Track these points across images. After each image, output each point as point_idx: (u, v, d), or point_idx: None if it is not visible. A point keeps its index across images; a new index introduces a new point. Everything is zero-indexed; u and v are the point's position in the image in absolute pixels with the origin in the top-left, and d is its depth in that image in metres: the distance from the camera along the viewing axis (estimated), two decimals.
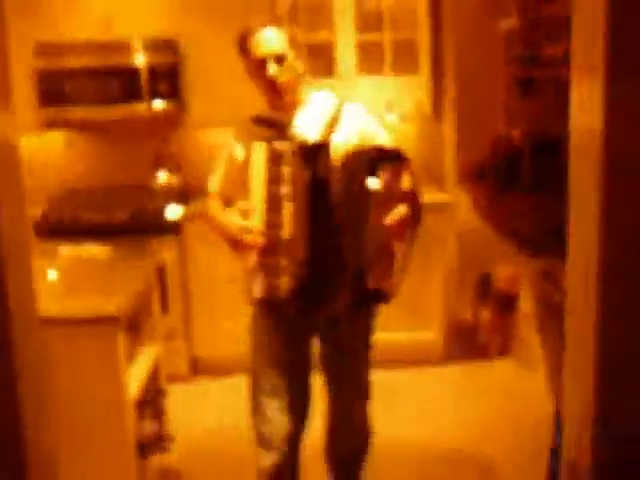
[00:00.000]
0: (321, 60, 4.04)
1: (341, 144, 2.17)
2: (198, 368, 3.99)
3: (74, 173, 4.45)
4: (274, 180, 2.10)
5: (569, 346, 1.51)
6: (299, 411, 2.42)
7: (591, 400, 1.35)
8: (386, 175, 2.06)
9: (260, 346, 2.36)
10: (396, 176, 2.10)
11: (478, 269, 4.60)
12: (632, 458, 1.37)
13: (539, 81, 8.22)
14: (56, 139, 4.41)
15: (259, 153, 2.11)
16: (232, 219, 2.23)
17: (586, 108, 1.34)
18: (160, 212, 3.82)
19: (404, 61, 4.05)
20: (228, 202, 2.36)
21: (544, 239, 6.03)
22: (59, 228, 3.78)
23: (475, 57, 4.39)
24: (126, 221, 3.80)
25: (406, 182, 2.14)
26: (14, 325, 1.21)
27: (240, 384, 3.77)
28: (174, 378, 3.68)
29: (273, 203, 2.10)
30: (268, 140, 2.14)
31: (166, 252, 3.74)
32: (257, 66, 2.23)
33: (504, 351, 4.21)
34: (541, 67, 7.94)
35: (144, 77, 3.82)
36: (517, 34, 8.52)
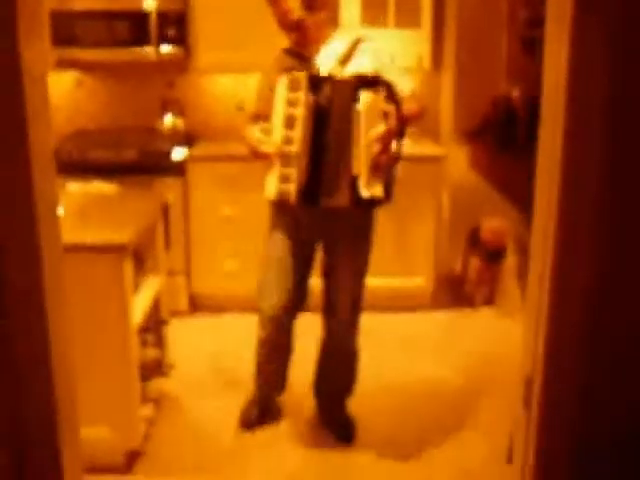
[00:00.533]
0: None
1: (348, 76, 2.58)
2: (197, 304, 4.20)
3: (83, 113, 4.58)
4: (291, 103, 2.51)
5: (530, 281, 1.70)
6: (296, 295, 2.85)
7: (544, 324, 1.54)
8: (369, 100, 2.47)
9: (273, 239, 2.80)
10: (378, 100, 2.49)
11: (469, 221, 4.77)
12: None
13: (541, 41, 8.22)
14: (65, 79, 4.52)
15: (283, 80, 2.52)
16: (254, 133, 2.65)
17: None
18: (165, 153, 3.97)
19: (407, 14, 4.13)
20: (265, 119, 2.67)
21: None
22: (68, 166, 3.91)
23: (477, 14, 4.48)
24: (133, 160, 3.95)
25: (382, 104, 2.50)
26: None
27: (236, 321, 4.03)
28: (174, 313, 3.91)
29: (289, 122, 2.52)
30: (290, 69, 2.56)
31: (170, 192, 3.90)
32: (286, 10, 2.59)
33: (489, 301, 4.41)
34: (544, 27, 7.94)
35: (153, 21, 3.92)
36: None
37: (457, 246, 4.77)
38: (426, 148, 4.25)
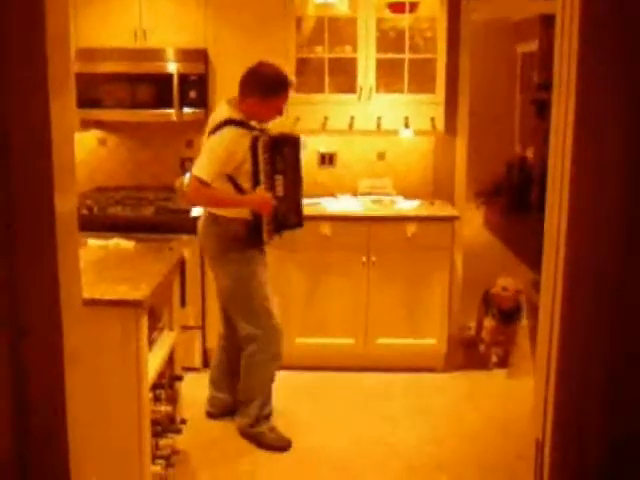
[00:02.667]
0: (343, 76, 4.27)
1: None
2: (210, 360, 4.20)
3: (104, 171, 4.71)
4: (266, 161, 3.20)
5: (539, 340, 1.70)
6: None
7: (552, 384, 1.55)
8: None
9: (261, 281, 3.31)
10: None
11: (483, 282, 4.78)
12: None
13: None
14: (89, 139, 4.66)
15: (260, 144, 3.12)
16: (232, 193, 3.20)
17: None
18: (183, 211, 4.05)
19: (421, 80, 4.25)
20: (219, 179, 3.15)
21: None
22: (88, 222, 4.01)
23: (490, 78, 4.59)
24: (150, 218, 4.04)
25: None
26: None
27: None
28: (188, 369, 3.92)
29: (268, 176, 3.20)
30: (256, 137, 3.15)
31: (187, 249, 3.95)
32: (279, 107, 3.24)
33: (504, 363, 4.38)
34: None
35: (175, 85, 4.07)
36: (536, 58, 8.71)
37: (470, 307, 4.77)
38: (440, 209, 4.30)
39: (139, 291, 2.47)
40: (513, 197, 8.63)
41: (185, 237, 4.02)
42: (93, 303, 2.38)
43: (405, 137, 4.41)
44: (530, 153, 8.94)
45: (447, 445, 3.42)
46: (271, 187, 3.22)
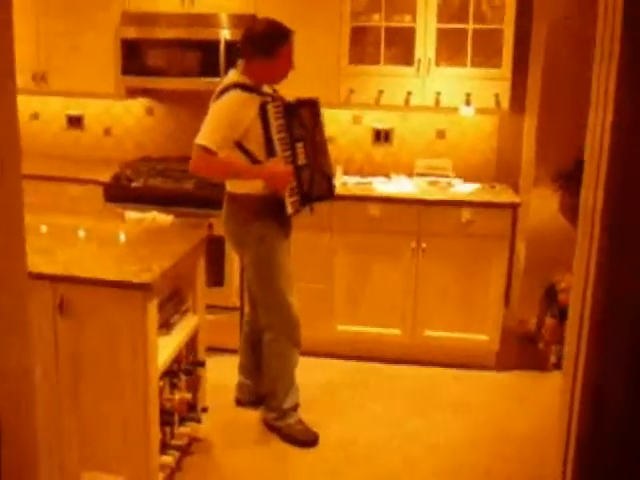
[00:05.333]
0: (400, 47, 3.96)
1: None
2: None
3: (152, 141, 4.58)
4: (279, 129, 2.93)
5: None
6: None
7: None
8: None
9: (281, 265, 3.05)
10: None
11: (549, 276, 4.41)
12: None
13: None
14: (137, 107, 4.54)
15: (270, 109, 2.87)
16: (245, 162, 2.95)
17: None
18: (224, 187, 3.87)
19: (486, 53, 3.90)
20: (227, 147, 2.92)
21: None
22: (127, 193, 3.90)
23: (566, 54, 4.17)
24: (191, 192, 3.87)
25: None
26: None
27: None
28: (226, 350, 3.77)
29: (284, 144, 2.93)
30: (265, 102, 2.89)
31: None
32: (285, 61, 2.96)
33: (561, 362, 4.03)
34: None
35: (222, 52, 3.87)
36: None
37: (533, 300, 4.42)
38: (500, 194, 3.97)
39: (149, 273, 2.30)
40: None
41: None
42: (98, 283, 2.23)
43: (466, 115, 4.07)
44: None
45: (485, 449, 3.14)
46: (292, 156, 2.94)
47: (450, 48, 3.92)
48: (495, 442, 3.22)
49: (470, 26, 3.86)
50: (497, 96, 3.89)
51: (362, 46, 3.99)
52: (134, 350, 2.29)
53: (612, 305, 1.36)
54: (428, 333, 3.93)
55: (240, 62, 2.99)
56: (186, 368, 2.79)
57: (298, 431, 3.13)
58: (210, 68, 3.93)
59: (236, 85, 2.91)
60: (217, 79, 3.91)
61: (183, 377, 2.73)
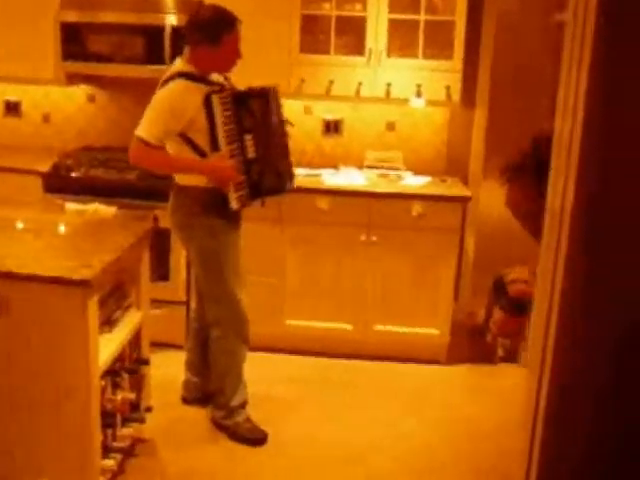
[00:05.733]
0: (351, 37, 3.89)
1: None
2: None
3: (94, 130, 4.41)
4: (227, 120, 2.81)
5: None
6: None
7: None
8: None
9: (229, 258, 2.95)
10: None
11: (497, 268, 4.43)
12: None
13: None
14: (78, 94, 4.36)
15: (215, 100, 2.76)
16: (191, 157, 2.84)
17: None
18: (169, 178, 3.74)
19: (438, 45, 3.87)
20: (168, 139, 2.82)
21: None
22: (67, 184, 3.74)
23: (520, 47, 4.18)
24: (135, 183, 3.73)
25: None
26: None
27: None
28: (171, 345, 3.66)
29: (230, 137, 2.82)
30: (210, 92, 2.77)
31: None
32: (231, 49, 2.83)
33: (512, 357, 4.06)
34: None
35: (167, 39, 3.73)
36: None
37: (481, 293, 4.43)
38: (450, 188, 3.95)
39: (89, 269, 2.18)
40: (537, 175, 8.21)
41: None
42: (35, 280, 2.10)
43: (417, 107, 4.03)
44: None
45: (444, 445, 3.12)
46: (239, 149, 2.84)
47: (402, 39, 3.88)
48: (452, 437, 3.20)
49: (422, 17, 3.82)
50: (448, 88, 3.87)
51: (313, 35, 3.90)
52: (74, 349, 2.17)
53: (582, 304, 1.33)
54: (379, 328, 3.89)
55: (186, 50, 2.87)
56: (129, 367, 2.68)
57: (246, 429, 3.05)
58: (155, 55, 3.79)
59: (180, 74, 2.79)
60: (163, 67, 3.76)
61: (126, 376, 2.61)
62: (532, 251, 6.38)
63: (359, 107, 4.25)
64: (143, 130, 2.73)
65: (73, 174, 3.76)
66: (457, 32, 3.82)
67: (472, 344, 4.23)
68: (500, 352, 4.07)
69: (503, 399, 3.55)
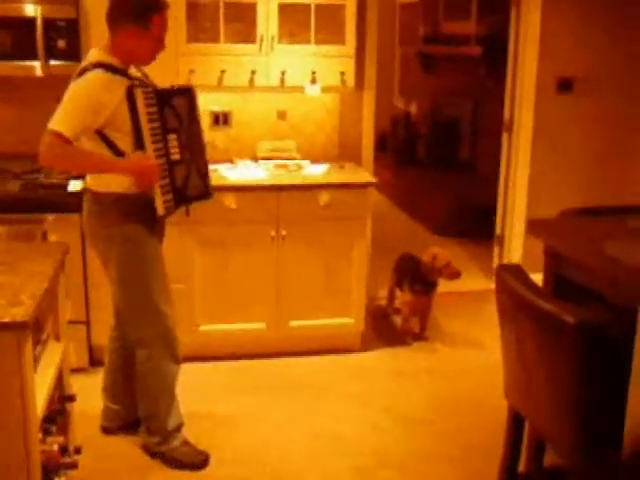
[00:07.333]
0: (240, 23, 3.70)
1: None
2: (97, 359, 3.60)
3: None
4: (151, 118, 2.56)
5: None
6: None
7: None
8: None
9: (154, 271, 2.72)
10: None
11: (394, 251, 4.47)
12: None
13: (440, 58, 8.18)
14: None
15: (138, 95, 2.50)
16: (134, 157, 2.56)
17: None
18: (59, 186, 3.38)
19: (330, 30, 3.77)
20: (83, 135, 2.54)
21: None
22: None
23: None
24: (17, 195, 3.33)
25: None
26: None
27: None
28: (73, 370, 3.31)
29: (155, 135, 2.57)
30: (132, 86, 2.52)
31: (66, 231, 3.31)
32: (158, 35, 2.59)
33: (420, 335, 4.12)
34: (441, 44, 7.90)
35: (39, 32, 3.33)
36: (419, 10, 8.44)
37: (376, 275, 4.45)
38: (352, 174, 3.90)
39: (20, 307, 1.87)
40: (400, 153, 8.42)
41: (64, 217, 3.35)
42: None
43: (312, 94, 3.92)
44: (414, 108, 8.72)
45: (389, 433, 3.10)
46: (163, 149, 2.59)
47: (292, 24, 3.73)
48: (391, 423, 3.18)
49: (312, 1, 3.70)
50: (343, 74, 3.80)
51: (199, 22, 3.66)
52: (8, 404, 1.86)
53: None
54: (294, 323, 3.78)
55: (107, 44, 2.59)
56: (56, 407, 2.38)
57: (184, 454, 2.83)
58: (25, 50, 3.38)
59: (99, 64, 2.49)
60: (35, 63, 3.42)
61: (59, 419, 2.32)
62: (410, 224, 6.54)
63: (248, 97, 4.08)
64: (59, 123, 2.41)
65: None
66: (348, 16, 3.75)
67: (378, 326, 4.25)
68: (411, 332, 4.11)
69: (432, 377, 3.61)
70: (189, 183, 2.70)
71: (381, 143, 8.40)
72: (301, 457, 2.92)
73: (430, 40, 8.01)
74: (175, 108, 2.63)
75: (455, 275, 3.92)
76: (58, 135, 2.39)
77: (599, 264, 2.29)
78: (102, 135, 2.51)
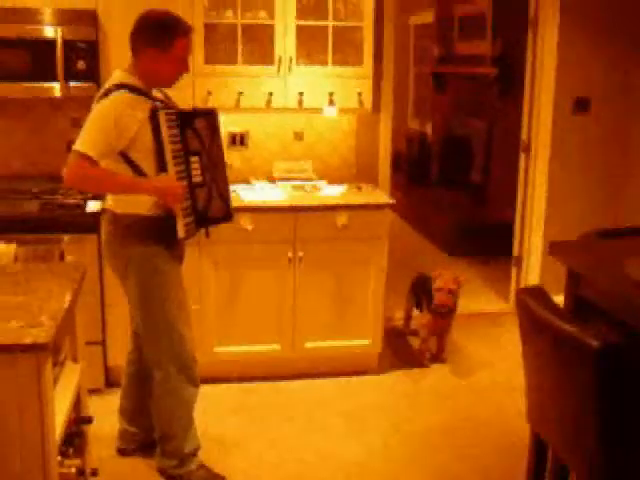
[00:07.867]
0: (257, 45, 3.72)
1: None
2: (114, 379, 3.59)
3: None
4: (173, 140, 2.57)
5: None
6: None
7: None
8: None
9: (173, 295, 2.70)
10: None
11: (409, 270, 4.44)
12: None
13: (453, 78, 8.17)
14: None
15: (161, 117, 2.51)
16: (159, 178, 2.56)
17: None
18: (75, 206, 3.39)
19: (347, 51, 3.79)
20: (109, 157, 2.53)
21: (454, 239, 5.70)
22: None
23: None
24: (35, 215, 3.34)
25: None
26: None
27: None
28: (90, 390, 3.30)
29: (177, 157, 2.58)
30: (156, 108, 2.53)
31: (83, 251, 3.32)
32: (181, 58, 2.60)
33: (437, 357, 4.08)
34: (455, 64, 7.90)
35: (59, 53, 3.36)
36: (432, 30, 8.45)
37: (394, 297, 4.41)
38: (370, 195, 3.88)
39: (40, 328, 1.86)
40: (412, 172, 8.41)
41: (81, 237, 3.36)
42: None
43: (329, 116, 3.92)
44: (429, 129, 8.72)
45: (397, 455, 3.05)
46: (185, 171, 2.60)
47: (310, 46, 3.75)
48: (401, 446, 3.14)
49: (330, 23, 3.72)
50: (360, 95, 3.80)
51: (216, 44, 3.68)
52: (27, 427, 1.85)
53: None
54: (309, 345, 3.75)
55: (130, 65, 2.61)
56: (74, 430, 2.36)
57: (200, 477, 2.80)
58: (44, 72, 3.40)
59: (123, 85, 2.50)
60: (54, 84, 3.44)
61: (76, 441, 2.30)
62: (423, 244, 6.49)
63: (265, 117, 4.09)
64: (84, 144, 2.41)
65: None
66: (365, 37, 3.76)
67: (394, 347, 4.21)
68: (427, 355, 4.07)
69: (445, 401, 3.56)
70: (210, 205, 2.70)
71: (395, 163, 8.42)
72: (306, 476, 2.89)
73: (444, 60, 8.03)
74: (197, 130, 2.63)
75: (443, 307, 3.86)
76: (84, 156, 2.40)
77: (621, 287, 2.26)
78: (125, 156, 2.51)
